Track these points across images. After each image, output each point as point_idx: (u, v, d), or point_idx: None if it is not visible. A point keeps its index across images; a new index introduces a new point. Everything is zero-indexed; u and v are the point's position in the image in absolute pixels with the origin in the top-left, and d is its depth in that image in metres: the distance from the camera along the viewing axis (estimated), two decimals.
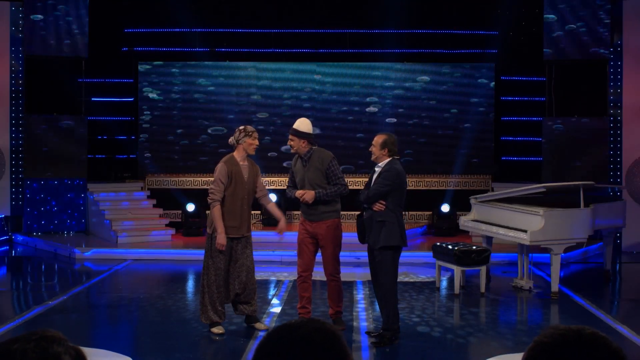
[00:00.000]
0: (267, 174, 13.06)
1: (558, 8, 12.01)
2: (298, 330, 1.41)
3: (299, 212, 14.13)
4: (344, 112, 13.30)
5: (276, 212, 6.77)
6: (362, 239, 6.41)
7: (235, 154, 6.49)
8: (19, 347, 1.33)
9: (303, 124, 6.57)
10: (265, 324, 6.82)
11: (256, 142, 6.48)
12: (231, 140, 6.53)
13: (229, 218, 6.38)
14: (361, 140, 12.83)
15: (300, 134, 6.52)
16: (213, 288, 6.39)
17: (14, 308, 8.12)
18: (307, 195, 6.44)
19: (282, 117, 13.24)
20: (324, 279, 6.80)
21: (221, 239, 6.32)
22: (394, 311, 6.25)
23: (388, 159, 6.23)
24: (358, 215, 6.45)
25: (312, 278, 6.72)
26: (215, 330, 6.46)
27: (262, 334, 6.59)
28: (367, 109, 13.29)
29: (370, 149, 6.34)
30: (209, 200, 6.41)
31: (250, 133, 6.44)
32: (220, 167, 6.41)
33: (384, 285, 6.20)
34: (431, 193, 13.12)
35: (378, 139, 6.28)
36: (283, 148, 12.85)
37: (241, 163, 6.47)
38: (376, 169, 6.29)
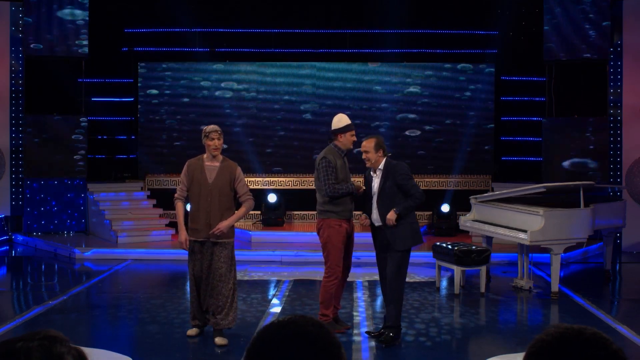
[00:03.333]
0: (268, 174, 13.07)
1: (558, 8, 12.01)
2: (290, 326, 1.41)
3: (299, 212, 14.04)
4: (344, 112, 13.26)
5: (235, 215, 6.23)
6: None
7: (204, 154, 6.31)
8: (23, 346, 1.34)
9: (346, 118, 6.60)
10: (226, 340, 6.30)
11: (214, 142, 6.13)
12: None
13: (190, 220, 6.24)
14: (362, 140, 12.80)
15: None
16: (189, 293, 6.43)
17: (14, 308, 8.12)
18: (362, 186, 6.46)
19: (282, 117, 13.24)
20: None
21: (180, 236, 6.21)
22: (399, 310, 6.25)
23: (384, 159, 6.23)
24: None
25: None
26: (189, 332, 6.46)
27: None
28: (367, 109, 13.27)
29: (364, 157, 6.23)
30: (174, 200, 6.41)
31: (207, 134, 6.17)
32: (184, 167, 6.35)
33: (394, 283, 6.18)
34: (431, 193, 13.09)
35: (369, 143, 6.22)
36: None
37: (208, 164, 6.21)
38: (377, 171, 6.21)
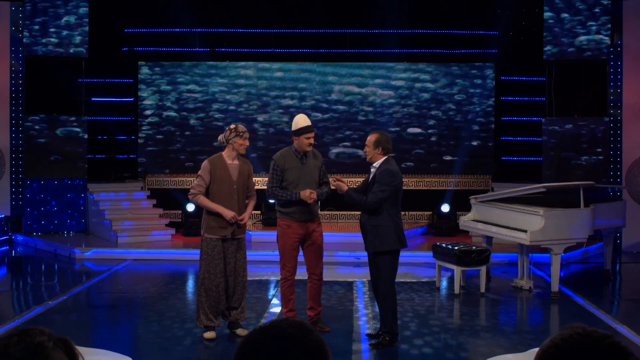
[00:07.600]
0: (268, 174, 13.06)
1: (558, 8, 12.02)
2: (273, 329, 1.41)
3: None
4: (344, 112, 13.29)
5: (250, 208, 6.48)
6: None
7: (224, 153, 6.38)
8: (1, 344, 1.34)
9: (307, 119, 6.43)
10: (248, 330, 6.66)
11: (247, 142, 6.34)
12: (221, 138, 6.41)
13: (213, 218, 6.25)
14: (361, 140, 12.82)
15: (313, 129, 6.43)
16: (204, 291, 6.28)
17: (14, 308, 8.12)
18: (314, 194, 6.29)
19: (283, 117, 13.25)
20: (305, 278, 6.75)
21: (226, 213, 6.16)
22: (392, 314, 6.19)
23: (383, 158, 6.12)
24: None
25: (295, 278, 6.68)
26: (206, 335, 6.33)
27: None
28: (367, 109, 13.28)
29: (364, 150, 6.27)
30: (190, 197, 6.33)
31: (241, 133, 6.28)
32: (203, 164, 6.34)
33: (382, 288, 6.14)
34: (431, 193, 13.12)
35: (371, 138, 6.18)
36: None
37: (230, 162, 6.34)
38: (371, 169, 6.18)
